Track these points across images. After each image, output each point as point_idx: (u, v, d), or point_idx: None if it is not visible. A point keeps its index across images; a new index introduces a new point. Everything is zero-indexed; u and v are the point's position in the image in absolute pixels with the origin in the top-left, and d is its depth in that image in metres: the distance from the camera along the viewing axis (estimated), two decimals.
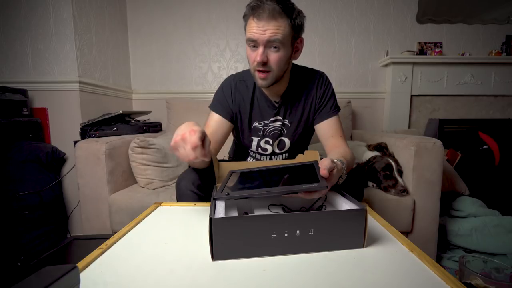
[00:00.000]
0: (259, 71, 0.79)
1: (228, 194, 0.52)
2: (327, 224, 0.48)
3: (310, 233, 0.48)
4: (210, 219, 0.45)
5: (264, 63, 0.77)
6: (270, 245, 0.47)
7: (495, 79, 1.94)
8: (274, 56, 0.77)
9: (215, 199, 0.55)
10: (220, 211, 0.52)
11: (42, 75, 1.41)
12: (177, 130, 0.54)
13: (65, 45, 1.40)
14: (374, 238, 0.54)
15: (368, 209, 0.71)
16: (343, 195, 0.61)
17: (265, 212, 0.60)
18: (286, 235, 0.47)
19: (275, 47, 0.76)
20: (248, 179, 0.60)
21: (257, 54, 0.76)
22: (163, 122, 1.83)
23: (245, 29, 0.81)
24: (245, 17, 0.79)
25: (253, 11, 0.74)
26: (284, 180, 0.55)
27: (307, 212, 0.51)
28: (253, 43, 0.77)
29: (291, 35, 0.77)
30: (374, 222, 0.63)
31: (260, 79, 0.81)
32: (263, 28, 0.73)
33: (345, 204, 0.57)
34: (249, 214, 0.58)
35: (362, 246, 0.50)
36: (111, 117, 1.42)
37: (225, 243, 0.46)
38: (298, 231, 0.47)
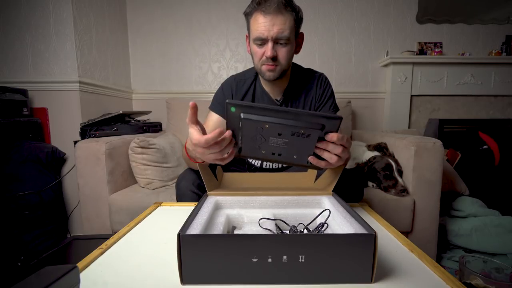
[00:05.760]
0: (267, 64, 0.81)
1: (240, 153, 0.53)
2: (322, 251, 0.39)
3: (300, 260, 0.39)
4: (179, 236, 0.38)
5: (274, 58, 0.79)
6: (250, 272, 0.39)
7: (495, 79, 1.94)
8: (282, 51, 0.79)
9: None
10: (201, 220, 0.45)
11: (42, 75, 1.41)
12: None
13: (65, 45, 1.40)
14: None
15: (368, 209, 0.71)
16: (350, 213, 0.49)
17: (257, 227, 0.51)
18: (269, 260, 0.39)
19: (283, 43, 0.78)
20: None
21: (267, 49, 0.78)
22: (163, 122, 1.83)
23: (248, 28, 0.81)
24: (249, 14, 0.79)
25: (259, 6, 0.75)
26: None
27: (296, 234, 0.45)
28: (261, 42, 0.78)
29: (295, 29, 0.79)
30: (374, 222, 0.63)
31: (268, 71, 0.82)
32: (271, 23, 0.74)
33: (349, 225, 0.45)
34: (235, 232, 0.53)
35: (370, 281, 0.40)
36: (111, 117, 1.42)
37: (196, 265, 0.39)
38: (285, 257, 0.39)
